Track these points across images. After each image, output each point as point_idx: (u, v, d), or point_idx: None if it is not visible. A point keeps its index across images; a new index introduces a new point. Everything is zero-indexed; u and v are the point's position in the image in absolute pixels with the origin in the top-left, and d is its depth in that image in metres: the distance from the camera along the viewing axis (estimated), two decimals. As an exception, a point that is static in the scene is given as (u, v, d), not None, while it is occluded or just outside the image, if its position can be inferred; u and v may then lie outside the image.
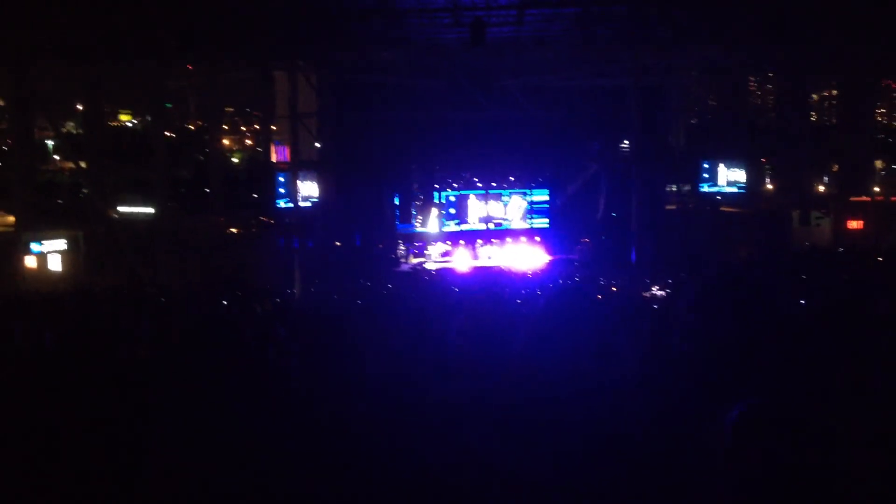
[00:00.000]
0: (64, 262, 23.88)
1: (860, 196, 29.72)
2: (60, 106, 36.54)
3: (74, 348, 4.53)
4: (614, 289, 21.82)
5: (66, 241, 24.04)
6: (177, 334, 3.00)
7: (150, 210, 27.66)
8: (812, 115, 38.24)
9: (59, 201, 33.45)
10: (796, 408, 1.61)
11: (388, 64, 27.68)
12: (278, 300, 19.46)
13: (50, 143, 43.37)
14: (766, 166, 33.67)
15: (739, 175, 30.29)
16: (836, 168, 32.88)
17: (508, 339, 2.85)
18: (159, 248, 25.73)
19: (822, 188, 34.48)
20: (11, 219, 26.35)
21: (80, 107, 35.52)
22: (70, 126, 42.97)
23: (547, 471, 2.26)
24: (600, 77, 28.69)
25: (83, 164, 27.32)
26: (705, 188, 31.23)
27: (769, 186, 34.25)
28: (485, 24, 20.33)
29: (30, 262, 22.91)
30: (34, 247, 22.99)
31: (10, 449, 2.98)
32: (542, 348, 2.75)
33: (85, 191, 28.12)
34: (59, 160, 44.22)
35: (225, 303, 16.38)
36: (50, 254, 23.56)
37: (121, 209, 30.88)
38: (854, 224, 29.10)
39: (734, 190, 30.63)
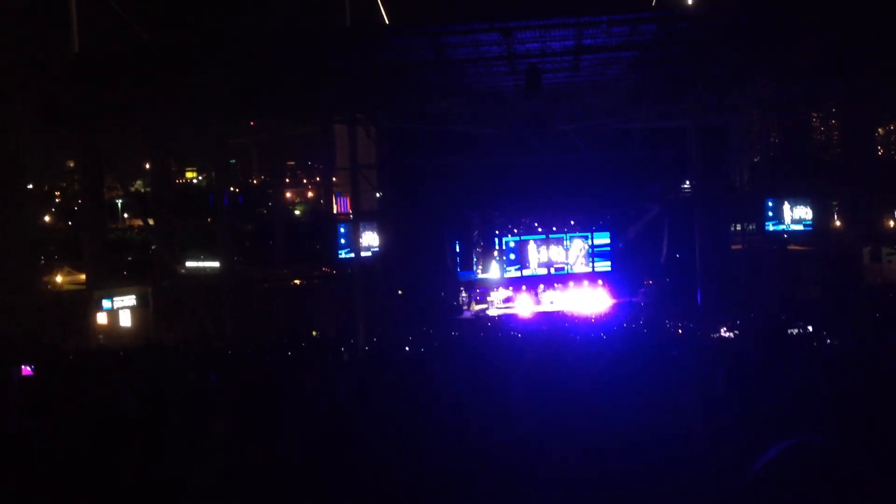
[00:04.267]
0: (134, 317, 24.39)
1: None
2: (129, 165, 37.68)
3: (146, 406, 4.60)
4: (680, 331, 21.49)
5: (135, 297, 24.56)
6: (242, 389, 3.02)
7: (216, 264, 28.17)
8: (878, 149, 37.44)
9: (129, 258, 34.35)
10: (837, 450, 1.55)
11: (446, 113, 27.95)
12: (343, 350, 19.57)
13: (119, 201, 44.69)
14: (833, 203, 32.99)
15: (805, 213, 29.68)
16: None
17: (573, 386, 2.81)
18: (226, 302, 26.14)
19: (892, 223, 33.62)
20: (83, 276, 27.11)
21: (147, 166, 36.58)
22: (138, 185, 44.29)
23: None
24: (659, 118, 28.53)
25: (151, 221, 27.99)
26: (771, 227, 30.66)
27: (837, 223, 33.51)
28: (540, 70, 20.44)
29: (101, 318, 23.43)
30: (105, 303, 23.53)
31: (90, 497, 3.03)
32: (608, 395, 2.71)
33: (153, 247, 28.79)
34: (128, 218, 45.52)
35: (289, 354, 16.53)
36: (121, 310, 24.08)
37: (188, 264, 31.57)
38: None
39: (800, 228, 30.00)
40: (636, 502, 2.22)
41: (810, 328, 16.41)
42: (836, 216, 33.84)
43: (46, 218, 43.37)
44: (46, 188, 45.05)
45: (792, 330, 15.54)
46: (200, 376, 8.17)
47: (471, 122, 28.94)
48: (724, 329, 20.57)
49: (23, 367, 10.17)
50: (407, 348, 19.72)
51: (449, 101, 26.87)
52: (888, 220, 33.34)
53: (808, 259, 30.20)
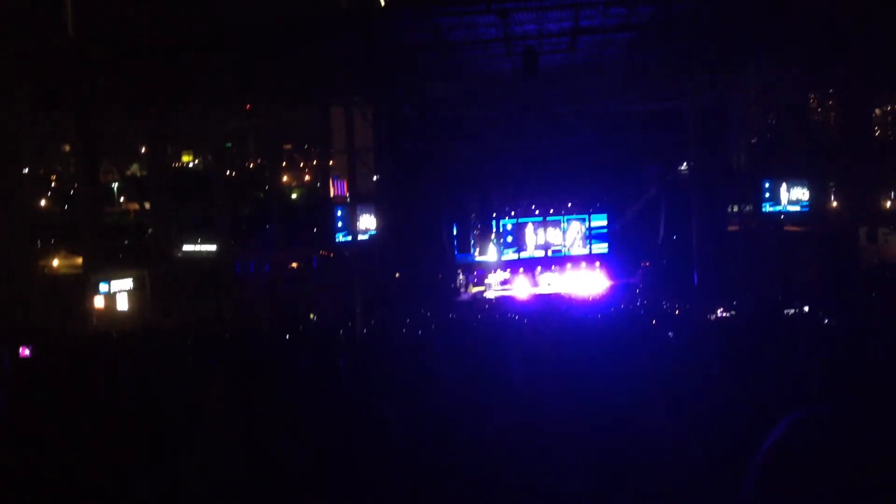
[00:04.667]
0: (131, 301, 24.38)
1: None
2: (124, 149, 37.54)
3: (145, 386, 4.61)
4: (677, 312, 21.56)
5: (132, 281, 24.54)
6: (240, 371, 3.03)
7: (213, 248, 28.16)
8: (876, 130, 37.42)
9: (126, 242, 34.32)
10: (848, 420, 1.55)
11: (443, 96, 27.88)
12: (341, 332, 19.60)
13: (115, 185, 44.61)
14: (830, 183, 32.98)
15: (802, 193, 29.65)
16: (902, 183, 32.06)
17: (572, 368, 2.82)
18: (223, 286, 26.16)
19: (888, 204, 33.64)
20: (79, 260, 27.08)
21: (143, 150, 36.49)
22: (134, 168, 44.18)
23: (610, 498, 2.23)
24: (657, 100, 28.47)
25: (147, 205, 27.95)
26: (767, 208, 30.64)
27: (834, 204, 33.52)
28: (537, 52, 20.40)
29: (98, 302, 23.42)
30: (102, 287, 23.51)
31: (91, 478, 3.04)
32: (606, 375, 2.72)
33: (150, 231, 28.76)
34: (125, 202, 45.45)
35: (287, 337, 16.53)
36: (118, 293, 24.06)
37: (185, 248, 31.54)
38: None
39: (797, 209, 29.99)
40: (638, 480, 2.23)
41: (806, 308, 16.45)
42: (833, 197, 33.85)
43: (42, 202, 43.28)
44: (42, 172, 44.93)
45: (788, 310, 15.58)
46: (199, 359, 8.19)
47: (468, 105, 28.88)
48: (721, 310, 20.63)
49: (21, 348, 10.19)
50: (404, 331, 19.77)
51: (446, 84, 26.81)
52: (885, 201, 33.36)
53: (804, 240, 30.23)
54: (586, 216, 33.08)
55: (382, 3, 24.04)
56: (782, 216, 29.59)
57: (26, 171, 24.00)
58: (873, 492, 1.41)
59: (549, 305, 25.88)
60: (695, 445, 2.60)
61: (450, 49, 23.59)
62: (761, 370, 3.83)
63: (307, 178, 59.95)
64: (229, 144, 46.57)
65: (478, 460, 2.64)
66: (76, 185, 30.81)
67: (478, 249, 32.58)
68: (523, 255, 32.73)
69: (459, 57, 24.60)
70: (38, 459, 3.06)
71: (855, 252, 28.60)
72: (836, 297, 18.57)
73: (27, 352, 10.01)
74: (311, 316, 25.11)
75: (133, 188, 38.38)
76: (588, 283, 31.30)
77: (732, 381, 3.74)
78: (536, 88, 27.10)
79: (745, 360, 3.93)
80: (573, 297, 28.79)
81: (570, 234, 33.02)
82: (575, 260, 32.63)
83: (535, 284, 31.67)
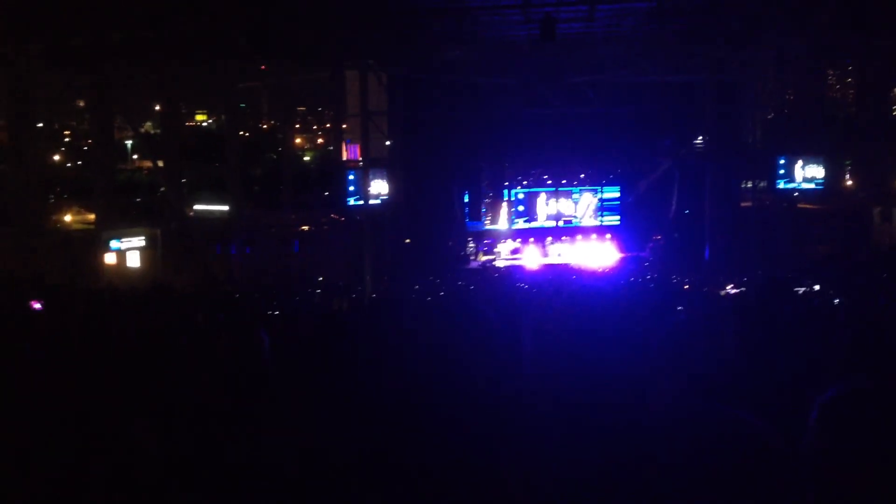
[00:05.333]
0: (142, 259, 24.49)
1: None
2: (138, 107, 37.53)
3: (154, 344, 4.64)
4: (687, 287, 21.52)
5: (144, 239, 24.64)
6: (250, 331, 3.04)
7: (225, 208, 28.21)
8: (894, 109, 37.05)
9: (138, 199, 34.40)
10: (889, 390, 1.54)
11: (458, 62, 27.70)
12: (353, 296, 19.67)
13: (129, 143, 44.63)
14: (846, 162, 32.74)
15: (817, 171, 29.44)
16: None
17: (580, 339, 2.80)
18: (234, 246, 26.24)
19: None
20: (92, 217, 27.17)
21: (157, 108, 36.44)
22: (148, 126, 44.18)
23: (619, 472, 2.22)
24: (673, 72, 28.22)
25: (160, 164, 27.97)
26: (781, 185, 30.44)
27: (848, 183, 33.30)
28: (555, 20, 20.20)
29: (109, 258, 23.53)
30: (113, 244, 23.61)
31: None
32: (614, 348, 2.71)
33: (162, 189, 28.81)
34: (138, 159, 45.49)
35: (297, 298, 16.63)
36: (129, 251, 24.16)
37: (197, 207, 31.60)
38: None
39: (812, 186, 29.80)
40: (646, 454, 2.22)
41: (817, 287, 16.40)
42: (847, 175, 33.61)
43: (56, 157, 43.31)
44: (56, 127, 44.90)
45: (799, 288, 15.54)
46: (209, 317, 8.24)
47: (483, 72, 28.70)
48: (731, 286, 20.59)
49: (31, 302, 10.26)
50: (413, 296, 19.83)
51: (462, 49, 26.62)
52: (900, 181, 33.08)
53: (818, 218, 30.08)
54: (599, 187, 32.95)
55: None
56: (796, 193, 29.42)
57: (40, 125, 24.00)
58: None
59: (559, 276, 25.87)
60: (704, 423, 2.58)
61: (466, 14, 23.41)
62: (772, 347, 3.82)
63: (320, 141, 59.81)
64: (243, 105, 46.49)
65: (486, 431, 2.63)
66: (89, 141, 30.84)
67: (489, 218, 32.52)
68: (534, 224, 32.66)
69: (476, 22, 24.41)
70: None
71: (867, 232, 28.48)
72: (847, 276, 18.52)
73: (38, 306, 10.09)
74: (320, 279, 25.14)
75: (146, 145, 38.41)
76: (598, 255, 31.24)
77: (742, 357, 3.72)
78: (552, 57, 26.89)
79: (756, 337, 3.92)
80: (583, 268, 28.77)
81: (581, 206, 32.91)
82: (586, 231, 32.55)
83: (546, 255, 31.64)
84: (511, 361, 3.29)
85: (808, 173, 29.47)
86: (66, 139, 49.08)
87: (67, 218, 33.87)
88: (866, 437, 1.48)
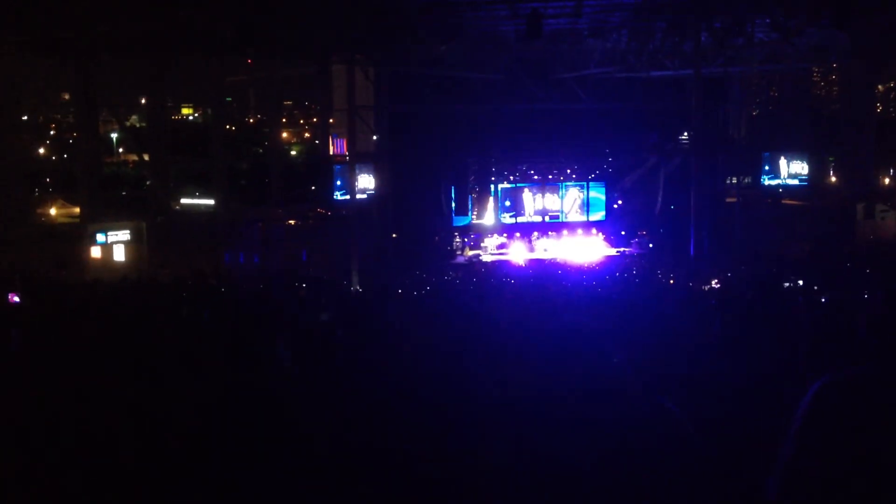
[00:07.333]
0: (127, 252, 24.38)
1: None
2: (124, 100, 37.33)
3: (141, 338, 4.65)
4: (672, 282, 21.60)
5: (129, 232, 24.53)
6: (234, 325, 3.06)
7: (211, 202, 28.13)
8: (877, 106, 37.29)
9: (124, 193, 34.27)
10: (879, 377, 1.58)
11: (446, 57, 27.67)
12: (338, 292, 19.60)
13: (114, 135, 44.43)
14: (830, 158, 32.94)
15: (801, 167, 29.63)
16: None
17: (563, 334, 2.84)
18: (220, 239, 26.16)
19: (887, 181, 33.62)
20: (77, 210, 27.05)
21: (143, 101, 36.30)
22: (134, 120, 43.97)
23: (602, 462, 2.26)
24: (659, 68, 28.28)
25: (146, 157, 27.87)
26: (766, 181, 30.62)
27: (832, 179, 33.52)
28: (541, 15, 20.21)
29: (95, 252, 23.42)
30: (99, 237, 23.50)
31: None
32: (598, 343, 2.74)
33: (148, 183, 28.70)
34: (123, 153, 45.29)
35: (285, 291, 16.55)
36: (114, 244, 24.06)
37: (183, 201, 31.51)
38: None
39: (796, 182, 29.99)
40: (629, 448, 2.26)
41: (801, 282, 16.50)
42: (832, 172, 33.84)
43: (41, 150, 43.06)
44: (41, 120, 44.64)
45: (783, 283, 15.64)
46: (194, 312, 8.22)
47: (470, 67, 28.68)
48: (715, 281, 20.67)
49: (10, 295, 10.21)
50: (400, 291, 19.80)
51: (449, 45, 26.59)
52: (884, 178, 33.33)
53: (802, 214, 30.25)
54: (585, 183, 33.01)
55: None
56: (781, 189, 29.61)
57: (25, 118, 23.87)
58: None
59: (545, 271, 25.90)
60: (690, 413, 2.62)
61: (453, 9, 23.38)
62: (753, 339, 3.87)
63: (307, 135, 59.66)
64: (229, 99, 46.33)
65: (470, 419, 2.67)
66: (75, 133, 30.68)
67: (475, 213, 32.52)
68: (521, 219, 32.69)
69: (462, 18, 24.38)
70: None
71: (851, 228, 28.67)
72: (830, 271, 18.64)
73: (16, 298, 10.04)
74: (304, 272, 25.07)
75: (132, 139, 38.25)
76: (584, 250, 31.29)
77: (724, 347, 3.78)
78: (540, 52, 26.89)
79: (738, 330, 3.97)
80: (569, 263, 28.81)
81: (567, 201, 32.95)
82: (572, 227, 32.60)
83: (532, 250, 31.67)
84: (494, 355, 3.33)
85: (792, 169, 29.67)
86: (52, 132, 48.80)
87: (52, 211, 33.72)
88: (859, 424, 1.52)
